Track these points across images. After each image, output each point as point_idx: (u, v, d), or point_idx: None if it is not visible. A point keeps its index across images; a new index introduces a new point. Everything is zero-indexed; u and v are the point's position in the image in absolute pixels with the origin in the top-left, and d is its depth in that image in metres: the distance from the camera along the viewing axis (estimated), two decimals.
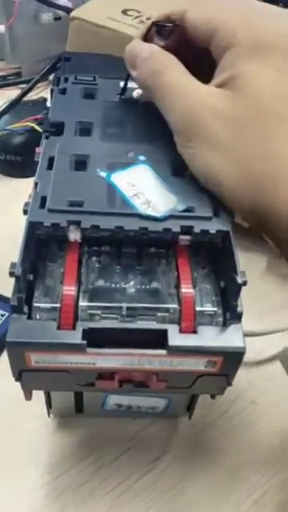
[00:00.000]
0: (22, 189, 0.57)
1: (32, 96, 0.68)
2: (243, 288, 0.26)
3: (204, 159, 0.29)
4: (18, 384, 0.28)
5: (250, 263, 0.52)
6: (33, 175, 0.31)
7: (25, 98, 0.63)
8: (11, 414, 0.39)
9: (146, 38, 0.34)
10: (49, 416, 0.38)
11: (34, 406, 0.38)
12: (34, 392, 0.30)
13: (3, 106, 0.61)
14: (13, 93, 0.66)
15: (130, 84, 0.39)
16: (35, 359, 0.26)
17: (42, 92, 0.71)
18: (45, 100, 0.65)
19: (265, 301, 0.50)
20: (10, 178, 0.61)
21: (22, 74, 0.75)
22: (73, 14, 0.56)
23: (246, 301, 0.27)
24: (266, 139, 0.28)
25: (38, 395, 0.33)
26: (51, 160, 0.31)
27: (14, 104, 0.61)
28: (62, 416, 0.39)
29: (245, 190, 0.28)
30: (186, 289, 0.27)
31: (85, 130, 0.34)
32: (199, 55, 0.32)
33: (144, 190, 0.30)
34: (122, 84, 0.39)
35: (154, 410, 0.37)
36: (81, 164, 0.31)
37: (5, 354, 0.27)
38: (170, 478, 0.37)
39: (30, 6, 0.71)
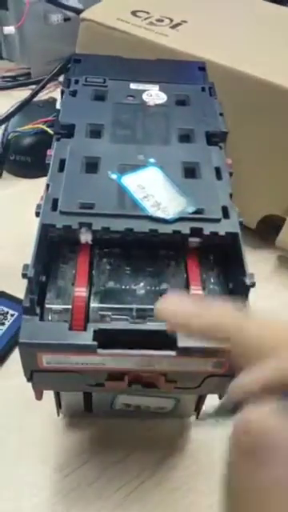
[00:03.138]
0: (31, 189, 0.58)
1: (41, 96, 0.68)
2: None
3: None
4: (28, 384, 0.29)
5: (257, 263, 0.52)
6: (42, 176, 0.31)
7: (35, 99, 0.64)
8: (21, 413, 0.40)
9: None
10: (58, 415, 0.38)
11: (44, 405, 0.38)
12: (44, 391, 0.31)
13: (14, 107, 0.61)
14: (23, 93, 0.67)
15: (140, 86, 0.39)
16: (47, 360, 0.26)
17: (52, 92, 0.72)
18: (54, 100, 0.66)
19: (272, 300, 0.50)
20: (19, 178, 0.61)
21: (31, 75, 0.76)
22: (82, 15, 0.56)
23: (253, 300, 0.27)
24: None
25: (48, 394, 0.33)
26: (62, 162, 0.32)
27: (25, 105, 0.61)
28: (71, 415, 0.40)
29: None
30: (195, 290, 0.28)
31: (95, 132, 0.35)
32: None
33: (154, 192, 0.30)
34: (132, 86, 0.39)
35: (163, 410, 0.37)
36: (92, 166, 0.32)
37: (16, 353, 0.27)
38: (177, 478, 0.37)
39: (39, 7, 0.72)
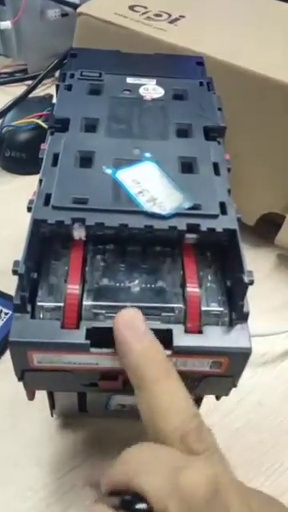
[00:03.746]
0: (26, 186, 0.57)
1: (38, 93, 0.67)
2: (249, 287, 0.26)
3: None
4: (20, 383, 0.28)
5: (256, 260, 0.52)
6: (37, 172, 0.31)
7: (31, 95, 0.63)
8: (14, 413, 0.39)
9: None
10: (52, 416, 0.38)
11: (37, 405, 0.37)
12: (37, 391, 0.30)
13: (9, 103, 0.60)
14: (19, 89, 0.66)
15: (137, 80, 0.39)
16: (38, 359, 0.26)
17: (48, 89, 0.71)
18: (51, 97, 0.65)
19: (271, 299, 0.49)
20: (14, 174, 0.61)
21: (28, 71, 0.75)
22: (79, 9, 0.56)
23: (252, 299, 0.26)
24: None
25: (41, 394, 0.33)
26: (56, 156, 0.31)
27: (20, 100, 0.60)
28: (66, 416, 0.39)
29: None
30: (192, 288, 0.27)
31: (90, 127, 0.34)
32: None
33: (149, 187, 0.29)
34: (128, 80, 0.38)
35: None
36: (86, 161, 0.31)
37: (7, 353, 0.26)
38: None
39: (36, 2, 0.71)
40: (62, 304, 0.26)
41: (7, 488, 0.35)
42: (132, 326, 0.25)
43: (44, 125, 0.56)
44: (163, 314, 0.27)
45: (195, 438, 0.24)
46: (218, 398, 0.32)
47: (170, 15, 0.54)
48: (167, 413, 0.24)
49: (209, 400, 0.33)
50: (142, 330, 0.25)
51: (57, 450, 0.38)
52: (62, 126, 0.34)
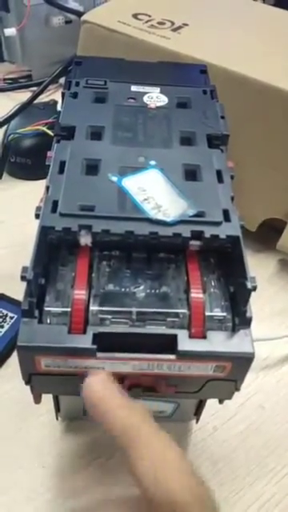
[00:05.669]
0: (31, 191, 0.58)
1: (42, 98, 0.68)
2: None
3: None
4: (27, 387, 0.28)
5: (257, 266, 0.52)
6: (42, 178, 0.31)
7: (35, 101, 0.63)
8: (20, 416, 0.39)
9: None
10: (57, 419, 0.38)
11: (43, 408, 0.38)
12: (42, 395, 0.30)
13: (14, 109, 0.61)
14: (24, 95, 0.67)
15: (141, 88, 0.39)
16: (45, 363, 0.26)
17: (52, 94, 0.72)
18: (55, 103, 0.66)
19: (273, 304, 0.50)
20: (19, 180, 0.61)
21: (32, 77, 0.76)
22: (84, 17, 0.56)
23: (254, 304, 0.27)
24: None
25: (47, 398, 0.33)
26: (62, 164, 0.31)
27: (25, 107, 0.61)
28: (70, 419, 0.39)
29: None
30: (196, 294, 0.27)
31: (96, 134, 0.35)
32: None
33: (154, 194, 0.30)
34: (133, 88, 0.39)
35: (162, 413, 0.37)
36: (92, 168, 0.32)
37: (15, 356, 0.27)
38: None
39: (40, 10, 0.72)
40: (68, 309, 0.27)
41: (12, 490, 0.36)
42: (105, 394, 0.25)
43: (49, 132, 0.57)
44: (168, 319, 0.27)
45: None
46: (221, 401, 0.32)
47: (173, 23, 0.55)
48: (176, 472, 0.25)
49: (212, 403, 0.34)
50: (117, 392, 0.26)
51: (61, 453, 0.38)
52: (68, 133, 0.34)
